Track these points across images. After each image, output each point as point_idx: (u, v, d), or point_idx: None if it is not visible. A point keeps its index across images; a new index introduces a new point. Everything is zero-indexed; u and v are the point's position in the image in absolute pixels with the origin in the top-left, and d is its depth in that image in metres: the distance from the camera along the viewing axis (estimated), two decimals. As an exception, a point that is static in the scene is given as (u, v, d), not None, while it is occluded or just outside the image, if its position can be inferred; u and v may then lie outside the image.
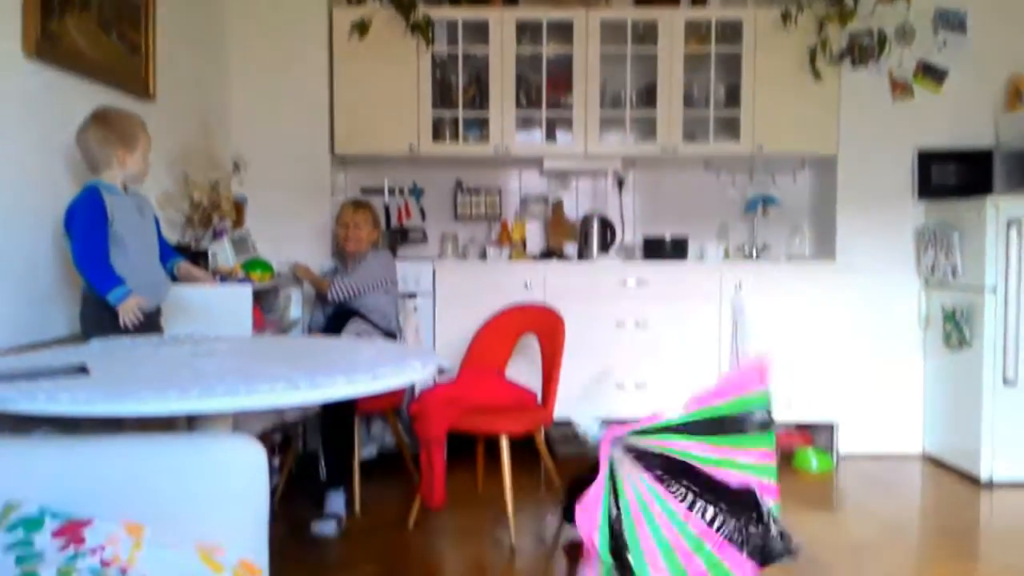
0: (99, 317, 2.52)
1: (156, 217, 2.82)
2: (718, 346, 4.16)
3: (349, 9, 4.27)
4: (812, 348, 4.14)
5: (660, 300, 4.15)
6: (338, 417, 3.27)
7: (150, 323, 2.64)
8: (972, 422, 3.93)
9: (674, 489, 2.11)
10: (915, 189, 4.33)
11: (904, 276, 4.36)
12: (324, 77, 4.27)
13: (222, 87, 4.19)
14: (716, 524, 2.10)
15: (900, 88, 4.31)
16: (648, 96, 4.44)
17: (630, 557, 2.05)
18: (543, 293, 4.12)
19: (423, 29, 4.22)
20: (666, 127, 4.32)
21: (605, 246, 4.50)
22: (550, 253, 4.53)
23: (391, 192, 4.64)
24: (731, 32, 4.34)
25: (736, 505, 2.14)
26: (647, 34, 4.37)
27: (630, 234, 4.70)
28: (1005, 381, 3.83)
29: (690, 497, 2.11)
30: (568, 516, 3.11)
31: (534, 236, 4.70)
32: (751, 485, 2.17)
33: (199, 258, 3.32)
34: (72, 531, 1.37)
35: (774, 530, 2.15)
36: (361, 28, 4.21)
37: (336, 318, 3.63)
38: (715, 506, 2.11)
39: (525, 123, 4.49)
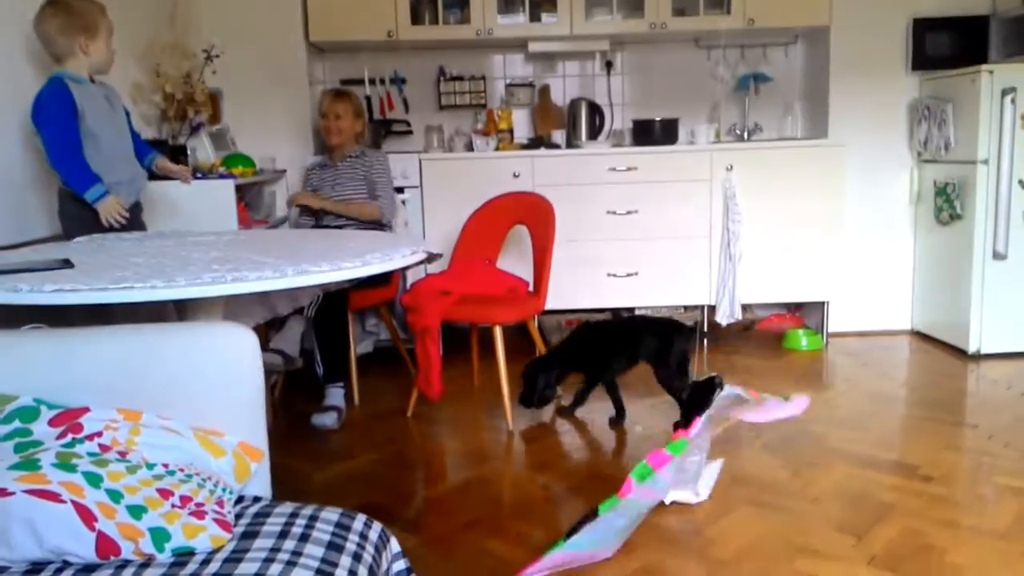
0: (79, 214, 2.47)
1: (127, 110, 2.72)
2: (709, 230, 4.13)
3: None
4: (803, 228, 4.12)
5: (651, 186, 4.09)
6: (331, 313, 3.25)
7: (132, 220, 2.59)
8: (962, 296, 3.96)
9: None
10: (909, 61, 4.22)
11: (897, 152, 4.32)
12: (295, -42, 4.04)
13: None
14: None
15: (896, -48, 4.14)
16: (635, -30, 4.24)
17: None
18: (532, 183, 4.05)
19: (398, -97, 3.98)
20: (654, 1, 4.15)
21: (594, 132, 4.41)
22: (538, 141, 4.42)
23: (372, 82, 4.49)
24: (721, -103, 4.13)
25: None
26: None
27: (619, 119, 4.59)
28: (995, 255, 3.85)
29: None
30: (525, 401, 3.15)
31: (521, 124, 4.58)
32: None
33: (178, 153, 3.22)
34: (69, 419, 1.36)
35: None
36: (332, -97, 3.97)
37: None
38: None
39: (508, 3, 4.29)
